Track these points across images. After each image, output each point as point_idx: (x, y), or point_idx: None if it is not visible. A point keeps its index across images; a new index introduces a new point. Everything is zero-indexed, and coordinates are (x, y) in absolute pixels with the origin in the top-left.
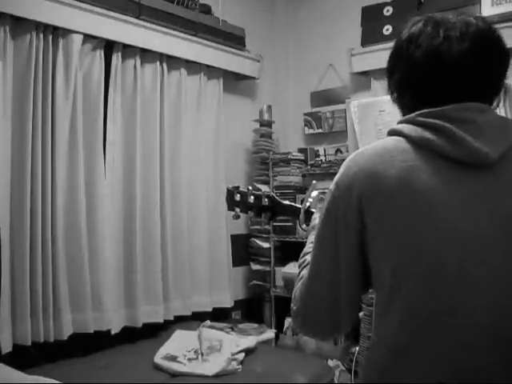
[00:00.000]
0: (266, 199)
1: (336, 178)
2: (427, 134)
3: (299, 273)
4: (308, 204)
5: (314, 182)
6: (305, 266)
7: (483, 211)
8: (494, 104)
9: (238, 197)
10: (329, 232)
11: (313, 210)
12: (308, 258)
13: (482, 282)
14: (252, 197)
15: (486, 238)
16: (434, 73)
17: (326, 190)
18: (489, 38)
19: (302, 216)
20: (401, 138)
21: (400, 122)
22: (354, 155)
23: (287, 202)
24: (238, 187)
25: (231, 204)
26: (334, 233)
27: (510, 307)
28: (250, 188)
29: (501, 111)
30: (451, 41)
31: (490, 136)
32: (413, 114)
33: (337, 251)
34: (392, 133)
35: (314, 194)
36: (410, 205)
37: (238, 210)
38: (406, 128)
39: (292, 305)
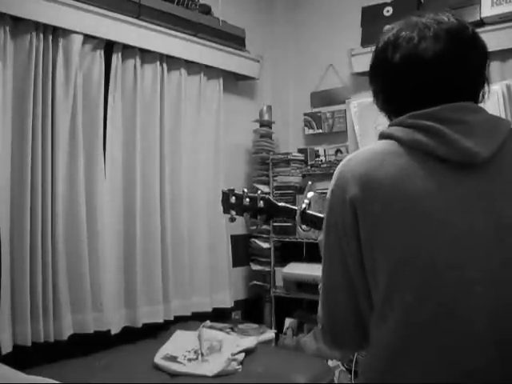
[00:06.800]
0: (262, 201)
1: (330, 185)
2: (418, 136)
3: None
4: (304, 205)
5: (309, 182)
6: None
7: (478, 211)
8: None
9: (233, 199)
10: (333, 240)
11: (309, 211)
12: None
13: (479, 284)
14: (247, 199)
15: (482, 238)
16: (414, 75)
17: (323, 191)
18: (462, 34)
19: (298, 217)
20: (392, 141)
21: (391, 125)
22: (346, 161)
23: (283, 204)
24: (233, 190)
25: (227, 207)
26: (337, 240)
27: (506, 309)
28: (246, 190)
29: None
30: (426, 40)
31: (481, 135)
32: (403, 116)
33: (344, 257)
34: (383, 136)
35: (310, 194)
36: (403, 209)
37: (233, 212)
38: (397, 131)
39: (318, 324)
